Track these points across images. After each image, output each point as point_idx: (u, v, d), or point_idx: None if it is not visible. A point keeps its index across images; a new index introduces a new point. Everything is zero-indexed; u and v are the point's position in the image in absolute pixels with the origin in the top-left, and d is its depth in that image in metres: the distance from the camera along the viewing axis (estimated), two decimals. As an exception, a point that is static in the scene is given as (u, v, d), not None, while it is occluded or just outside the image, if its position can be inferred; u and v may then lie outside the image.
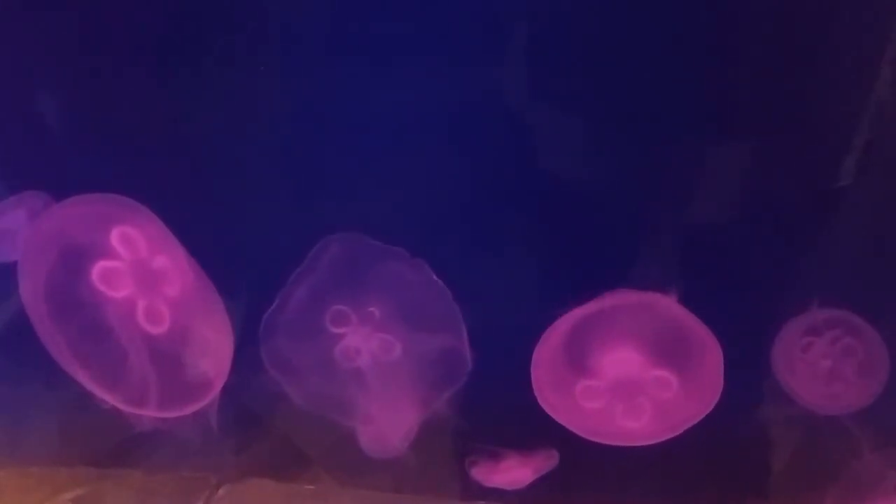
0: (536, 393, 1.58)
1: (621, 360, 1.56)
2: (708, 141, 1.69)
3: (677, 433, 1.56)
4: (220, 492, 1.90)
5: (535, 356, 1.57)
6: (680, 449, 1.61)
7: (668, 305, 1.52)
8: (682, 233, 1.75)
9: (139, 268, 1.44)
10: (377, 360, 1.60)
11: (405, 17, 1.63)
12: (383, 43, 1.66)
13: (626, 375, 1.55)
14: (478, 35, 1.65)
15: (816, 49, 1.60)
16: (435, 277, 1.57)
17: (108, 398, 1.49)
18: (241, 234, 1.77)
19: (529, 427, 1.70)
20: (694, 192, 1.75)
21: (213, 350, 1.52)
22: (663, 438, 1.57)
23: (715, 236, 1.73)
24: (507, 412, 1.73)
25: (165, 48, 1.70)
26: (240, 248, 1.74)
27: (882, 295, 1.74)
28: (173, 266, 1.46)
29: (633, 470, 1.78)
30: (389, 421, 1.66)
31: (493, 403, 1.71)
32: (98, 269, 1.41)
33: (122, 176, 1.56)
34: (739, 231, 1.73)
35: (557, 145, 1.73)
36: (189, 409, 1.53)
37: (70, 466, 1.95)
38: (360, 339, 1.60)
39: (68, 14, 1.68)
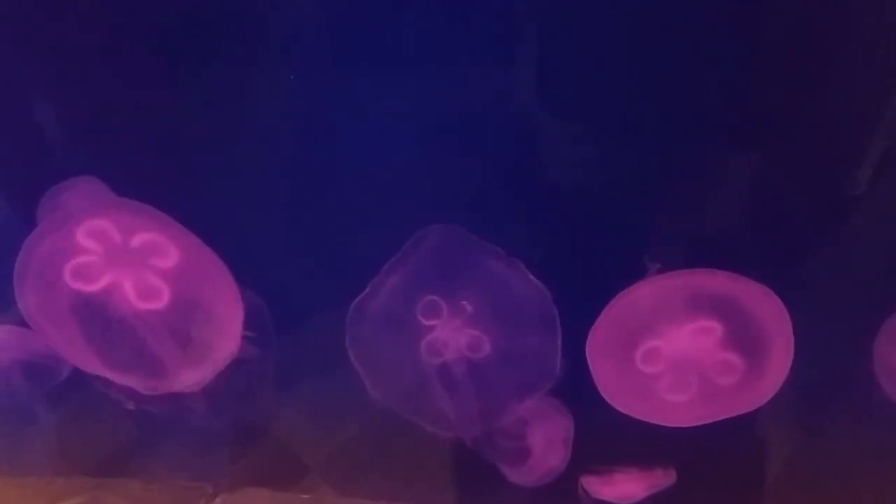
0: (597, 382, 1.55)
1: (684, 338, 1.52)
2: (721, 148, 1.69)
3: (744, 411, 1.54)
4: (217, 501, 1.90)
5: (588, 345, 1.53)
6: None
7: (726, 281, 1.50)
8: (692, 239, 1.75)
9: (116, 254, 1.45)
10: (464, 357, 1.58)
11: (415, 22, 1.64)
12: (390, 47, 1.67)
13: (689, 354, 1.52)
14: (486, 40, 1.66)
15: (832, 55, 1.60)
16: (532, 277, 1.55)
17: (140, 384, 1.50)
18: (240, 236, 1.77)
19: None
20: (706, 198, 1.75)
21: (220, 319, 1.52)
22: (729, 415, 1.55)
23: (727, 243, 1.73)
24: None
25: (170, 55, 1.70)
26: (238, 250, 1.73)
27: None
28: (160, 240, 1.47)
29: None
30: (463, 422, 1.62)
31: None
32: (70, 268, 1.44)
33: (123, 178, 1.58)
34: (752, 238, 1.73)
35: (568, 151, 1.74)
36: (210, 370, 1.53)
37: (67, 476, 1.95)
38: (449, 332, 1.57)
39: (71, 18, 1.69)
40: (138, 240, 1.46)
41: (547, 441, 1.69)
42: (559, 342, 1.56)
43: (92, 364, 1.48)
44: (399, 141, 1.71)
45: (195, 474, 1.93)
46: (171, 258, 1.47)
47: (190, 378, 1.52)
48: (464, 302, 1.56)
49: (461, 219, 1.67)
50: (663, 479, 1.73)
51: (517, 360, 1.58)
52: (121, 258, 1.45)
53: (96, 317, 1.45)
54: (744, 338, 1.52)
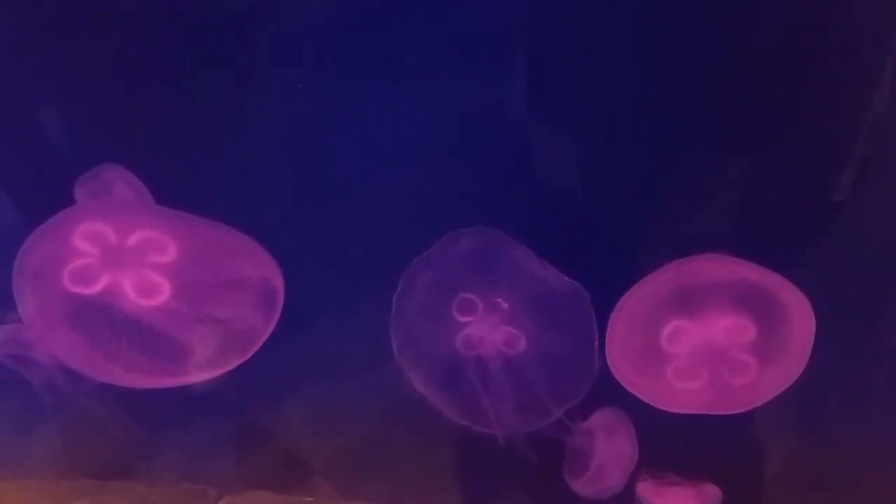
0: (619, 378, 1.55)
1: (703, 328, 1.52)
2: (705, 154, 1.70)
3: (767, 399, 1.54)
4: (220, 504, 1.91)
5: (607, 341, 1.53)
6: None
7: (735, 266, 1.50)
8: (681, 245, 1.75)
9: (114, 254, 1.45)
10: (499, 354, 1.58)
11: (412, 30, 1.65)
12: (388, 54, 1.67)
13: (708, 343, 1.52)
14: (481, 47, 1.67)
15: (814, 63, 1.61)
16: (567, 278, 1.56)
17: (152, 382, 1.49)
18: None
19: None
20: (692, 204, 1.75)
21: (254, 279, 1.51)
22: (754, 405, 1.55)
23: (720, 245, 1.73)
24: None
25: (173, 58, 1.71)
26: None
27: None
28: (158, 235, 1.47)
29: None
30: (498, 419, 1.61)
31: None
32: (68, 273, 1.44)
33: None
34: (740, 244, 1.74)
35: (564, 157, 1.74)
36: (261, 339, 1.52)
37: (71, 479, 1.95)
38: (485, 328, 1.57)
39: (75, 24, 1.70)
40: (134, 238, 1.45)
41: (610, 461, 1.67)
42: (596, 343, 1.56)
43: (98, 369, 1.47)
44: (401, 146, 1.72)
45: (199, 477, 1.93)
46: (169, 252, 1.47)
47: (218, 364, 1.51)
48: (499, 300, 1.57)
49: (463, 221, 1.68)
50: (716, 495, 1.69)
51: (553, 360, 1.58)
52: (119, 258, 1.45)
53: (100, 319, 1.45)
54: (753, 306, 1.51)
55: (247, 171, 1.78)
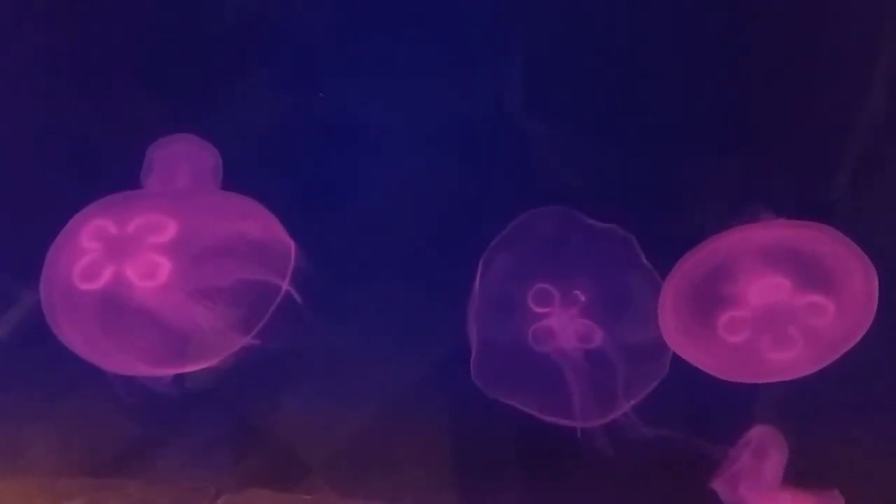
0: (666, 338, 1.50)
1: (764, 288, 1.47)
2: (703, 154, 1.70)
3: (827, 362, 1.50)
4: (219, 502, 1.90)
5: (663, 299, 1.48)
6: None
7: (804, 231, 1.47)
8: (677, 241, 1.76)
9: (118, 245, 1.45)
10: (574, 346, 1.54)
11: (412, 32, 1.65)
12: (389, 55, 1.68)
13: (771, 303, 1.47)
14: (481, 48, 1.67)
15: (810, 62, 1.61)
16: (645, 261, 1.53)
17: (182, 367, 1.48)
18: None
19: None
20: (691, 204, 1.76)
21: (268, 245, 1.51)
22: (811, 370, 1.51)
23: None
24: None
25: (175, 60, 1.72)
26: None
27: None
28: (156, 218, 1.47)
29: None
30: (576, 411, 1.56)
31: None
32: (77, 272, 1.44)
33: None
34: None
35: (560, 156, 1.75)
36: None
37: (70, 477, 1.95)
38: (561, 321, 1.53)
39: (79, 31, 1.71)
40: (133, 225, 1.46)
41: (757, 478, 1.61)
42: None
43: (119, 361, 1.47)
44: (401, 145, 1.73)
45: (198, 475, 1.94)
46: (169, 231, 1.46)
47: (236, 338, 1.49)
48: (577, 291, 1.53)
49: (464, 221, 1.68)
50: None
51: (629, 351, 1.54)
52: (123, 247, 1.45)
53: (119, 311, 1.44)
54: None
55: (245, 171, 1.79)
